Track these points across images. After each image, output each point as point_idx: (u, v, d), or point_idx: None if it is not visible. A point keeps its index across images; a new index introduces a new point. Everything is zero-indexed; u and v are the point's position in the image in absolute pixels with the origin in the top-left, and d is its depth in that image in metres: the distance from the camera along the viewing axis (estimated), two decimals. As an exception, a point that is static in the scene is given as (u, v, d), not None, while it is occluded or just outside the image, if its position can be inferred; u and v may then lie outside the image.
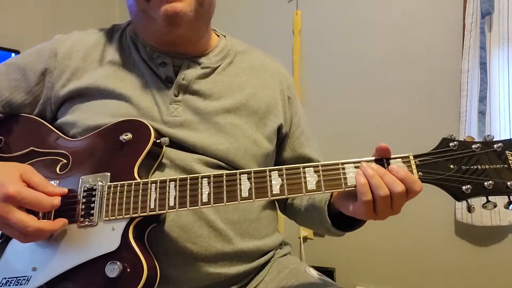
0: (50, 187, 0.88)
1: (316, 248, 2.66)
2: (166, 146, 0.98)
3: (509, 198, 0.79)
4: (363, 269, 2.57)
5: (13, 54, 2.17)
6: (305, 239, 2.66)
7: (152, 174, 0.96)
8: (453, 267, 2.38)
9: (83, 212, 0.90)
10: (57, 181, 0.95)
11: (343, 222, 0.97)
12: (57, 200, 0.87)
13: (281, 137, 1.17)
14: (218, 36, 1.17)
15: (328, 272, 2.56)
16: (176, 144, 0.99)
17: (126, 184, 0.90)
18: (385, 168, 0.82)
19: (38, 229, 0.83)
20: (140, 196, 0.88)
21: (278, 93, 1.16)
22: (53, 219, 0.89)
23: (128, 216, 0.87)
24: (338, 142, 2.42)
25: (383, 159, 0.83)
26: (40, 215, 0.88)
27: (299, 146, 1.19)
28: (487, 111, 2.18)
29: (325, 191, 0.83)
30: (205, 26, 1.09)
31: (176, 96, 1.03)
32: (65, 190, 0.91)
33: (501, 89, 2.23)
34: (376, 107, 2.51)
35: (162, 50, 1.05)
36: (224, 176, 0.86)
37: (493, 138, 0.80)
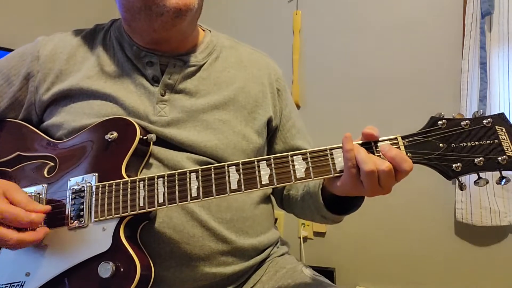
0: (32, 206, 0.87)
1: (316, 248, 2.65)
2: (154, 145, 0.97)
3: (500, 173, 0.77)
4: (363, 269, 2.56)
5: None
6: (305, 239, 2.65)
7: (141, 172, 0.95)
8: (453, 267, 2.36)
9: (72, 214, 0.91)
10: (45, 185, 0.95)
11: (338, 206, 0.96)
12: (34, 215, 0.85)
13: (271, 130, 1.16)
14: (203, 31, 1.16)
15: (328, 272, 2.54)
16: (164, 142, 0.99)
17: (114, 183, 0.90)
18: (373, 150, 0.81)
19: (19, 241, 0.83)
20: (129, 195, 0.88)
21: (267, 86, 1.15)
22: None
23: (118, 215, 0.87)
24: (338, 141, 2.39)
25: (371, 142, 0.82)
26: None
27: (290, 138, 1.19)
28: (487, 111, 2.16)
29: (314, 178, 0.82)
30: (196, 22, 1.08)
31: (162, 95, 1.02)
32: (48, 207, 0.90)
33: (501, 89, 2.21)
34: (376, 107, 2.50)
35: (149, 49, 1.04)
36: (212, 169, 0.86)
37: (483, 114, 0.79)
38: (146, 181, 0.88)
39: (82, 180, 0.92)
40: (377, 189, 0.80)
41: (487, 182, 0.77)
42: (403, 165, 0.77)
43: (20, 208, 0.85)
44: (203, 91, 1.05)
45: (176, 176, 0.87)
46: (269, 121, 1.13)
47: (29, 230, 0.86)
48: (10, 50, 2.18)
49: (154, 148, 0.98)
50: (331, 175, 0.82)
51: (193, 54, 1.08)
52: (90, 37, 1.11)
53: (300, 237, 2.64)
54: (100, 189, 0.90)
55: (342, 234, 2.54)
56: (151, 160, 0.97)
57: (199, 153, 1.00)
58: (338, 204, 0.96)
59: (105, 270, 0.83)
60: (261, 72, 1.16)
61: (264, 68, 1.18)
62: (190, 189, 0.86)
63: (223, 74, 1.10)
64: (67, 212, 0.91)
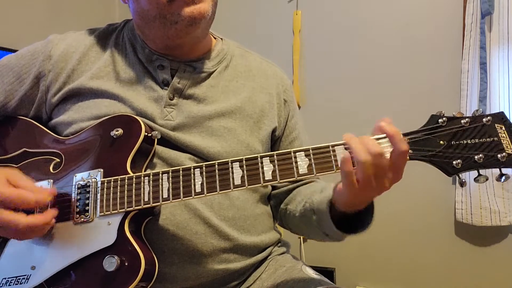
0: (37, 189, 0.88)
1: (316, 248, 2.65)
2: (158, 145, 0.98)
3: (500, 170, 0.78)
4: (363, 269, 2.57)
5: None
6: (305, 239, 2.66)
7: (145, 170, 0.95)
8: (453, 267, 2.37)
9: (78, 209, 0.91)
10: (51, 180, 0.96)
11: (344, 225, 0.94)
12: (40, 195, 0.86)
13: (274, 140, 1.16)
14: (215, 38, 1.16)
15: (328, 272, 2.55)
16: (168, 143, 1.00)
17: (119, 179, 0.90)
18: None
19: (29, 225, 0.84)
20: (133, 190, 0.89)
21: (274, 97, 1.15)
22: None
23: (123, 210, 0.88)
24: (338, 141, 2.39)
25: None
26: (36, 213, 0.89)
27: None
28: (487, 111, 2.17)
29: (317, 174, 0.83)
30: (209, 28, 1.09)
31: (171, 99, 1.03)
32: (54, 190, 0.91)
33: (501, 89, 2.22)
34: (376, 107, 2.51)
35: (161, 53, 1.05)
36: (216, 165, 0.87)
37: (483, 112, 0.80)
38: (151, 176, 0.89)
39: (87, 175, 0.93)
40: (369, 184, 0.80)
41: (487, 179, 0.79)
42: (400, 144, 0.77)
43: (23, 189, 0.86)
44: (210, 98, 1.06)
45: (181, 172, 0.88)
46: (273, 131, 1.13)
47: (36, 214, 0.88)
48: (11, 50, 2.18)
49: (158, 148, 0.99)
50: (333, 172, 0.83)
51: (203, 61, 1.08)
52: (103, 37, 1.11)
53: (300, 237, 2.65)
54: (105, 184, 0.91)
55: (342, 234, 2.54)
56: (155, 160, 0.98)
57: (202, 158, 1.00)
58: (344, 223, 0.94)
59: (110, 264, 0.84)
60: (269, 82, 1.16)
61: (272, 78, 1.18)
62: (194, 185, 0.86)
63: (232, 84, 1.10)
64: (72, 206, 0.92)
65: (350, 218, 0.92)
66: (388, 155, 0.79)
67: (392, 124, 0.82)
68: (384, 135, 0.81)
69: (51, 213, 0.89)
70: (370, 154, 0.77)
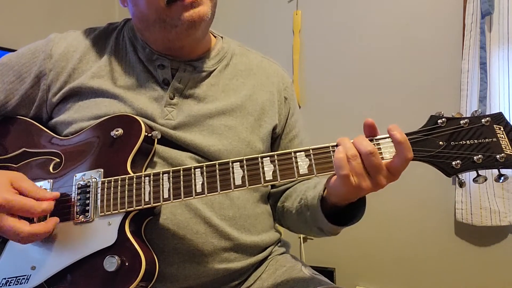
0: (41, 193, 0.88)
1: (316, 248, 2.65)
2: (159, 144, 0.98)
3: (499, 171, 0.79)
4: (363, 269, 2.56)
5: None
6: (305, 239, 2.65)
7: (145, 170, 0.96)
8: (453, 267, 2.37)
9: (78, 209, 0.91)
10: (51, 180, 0.96)
11: (337, 218, 0.95)
12: (46, 204, 0.87)
13: (274, 138, 1.16)
14: (215, 37, 1.16)
15: (328, 272, 2.55)
16: (169, 142, 1.00)
17: (119, 179, 0.90)
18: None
19: (30, 234, 0.84)
20: (134, 190, 0.89)
21: (275, 95, 1.16)
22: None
23: (123, 210, 0.88)
24: (338, 141, 2.39)
25: (373, 139, 0.83)
26: (35, 218, 0.89)
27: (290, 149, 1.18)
28: (487, 111, 2.17)
29: (317, 174, 0.83)
30: (208, 28, 1.09)
31: (171, 99, 1.03)
32: (57, 194, 0.91)
33: (501, 89, 2.21)
34: (376, 107, 2.50)
35: (161, 53, 1.05)
36: (217, 165, 0.87)
37: (482, 113, 0.80)
38: (152, 176, 0.89)
39: (87, 175, 0.93)
40: (366, 181, 0.81)
41: (486, 179, 0.79)
42: (407, 152, 0.78)
43: (31, 198, 0.86)
44: (211, 97, 1.06)
45: (181, 172, 0.88)
46: (273, 129, 1.14)
47: (36, 221, 0.88)
48: (10, 50, 2.18)
49: (159, 148, 0.99)
50: (334, 172, 0.83)
51: (203, 60, 1.08)
52: (103, 36, 1.11)
53: (300, 237, 2.65)
54: (105, 184, 0.91)
55: (342, 234, 2.53)
56: (156, 159, 0.98)
57: (203, 156, 1.01)
58: (337, 216, 0.95)
59: (111, 264, 0.84)
60: (270, 80, 1.17)
61: (273, 76, 1.18)
62: (195, 185, 0.86)
63: (232, 82, 1.11)
64: (73, 207, 0.92)
65: (342, 211, 0.93)
66: (388, 156, 0.81)
67: (374, 123, 0.84)
68: (386, 136, 0.82)
69: (53, 221, 0.89)
70: (361, 152, 0.79)
